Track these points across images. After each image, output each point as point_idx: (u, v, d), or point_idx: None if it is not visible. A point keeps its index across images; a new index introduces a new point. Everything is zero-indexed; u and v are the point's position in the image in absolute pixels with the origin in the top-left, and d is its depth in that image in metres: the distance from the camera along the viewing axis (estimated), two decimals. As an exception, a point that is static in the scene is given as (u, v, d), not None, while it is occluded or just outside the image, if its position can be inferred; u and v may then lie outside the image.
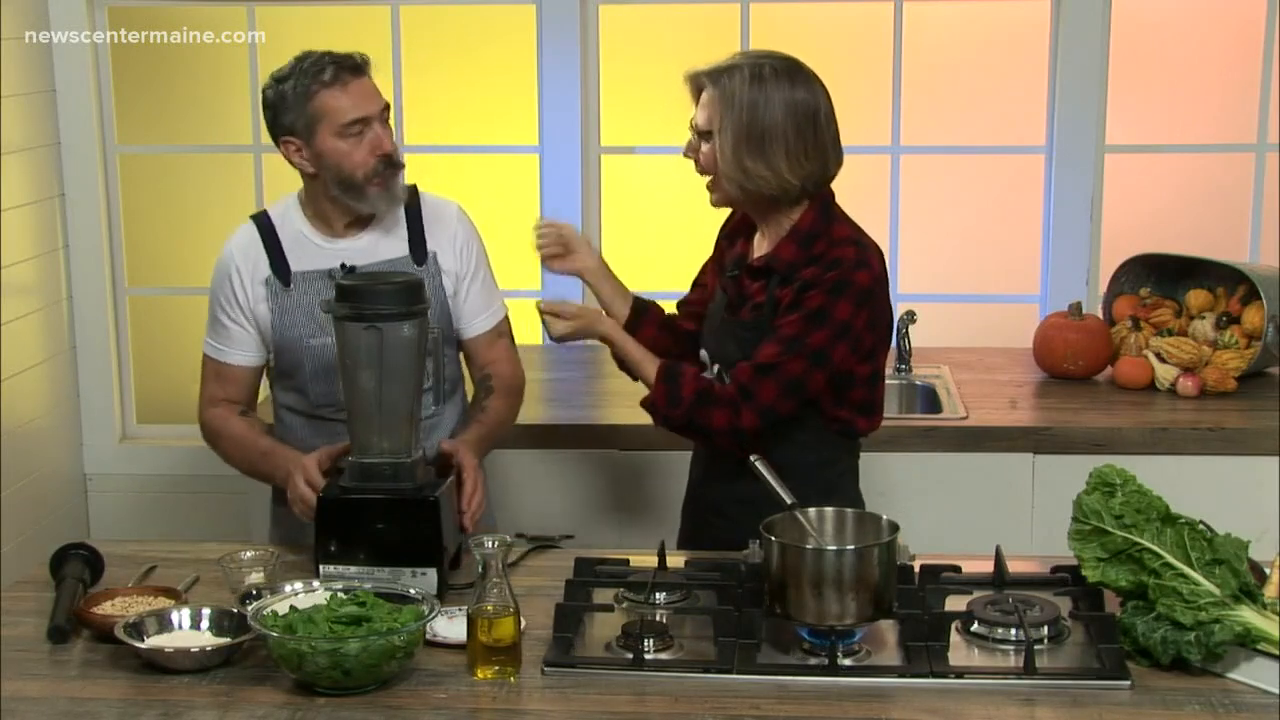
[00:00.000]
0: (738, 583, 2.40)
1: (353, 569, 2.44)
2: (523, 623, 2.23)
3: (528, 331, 4.43)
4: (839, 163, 2.69)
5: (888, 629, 2.30)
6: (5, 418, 3.97)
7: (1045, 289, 4.28)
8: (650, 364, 2.73)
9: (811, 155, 2.62)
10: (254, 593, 2.40)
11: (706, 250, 2.92)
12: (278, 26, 4.35)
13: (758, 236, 2.77)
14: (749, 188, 2.63)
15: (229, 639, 2.26)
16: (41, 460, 4.22)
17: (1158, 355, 3.78)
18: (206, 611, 2.34)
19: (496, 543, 2.18)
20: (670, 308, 2.97)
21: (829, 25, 4.51)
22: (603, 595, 2.44)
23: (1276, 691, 2.10)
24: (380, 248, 2.85)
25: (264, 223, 2.86)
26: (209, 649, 2.23)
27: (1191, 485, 3.06)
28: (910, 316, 3.98)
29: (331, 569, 2.45)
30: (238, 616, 2.30)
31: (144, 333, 4.58)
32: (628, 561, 2.57)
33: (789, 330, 2.60)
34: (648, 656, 2.22)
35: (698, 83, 2.68)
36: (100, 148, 4.34)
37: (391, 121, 2.82)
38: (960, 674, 2.16)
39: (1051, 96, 4.21)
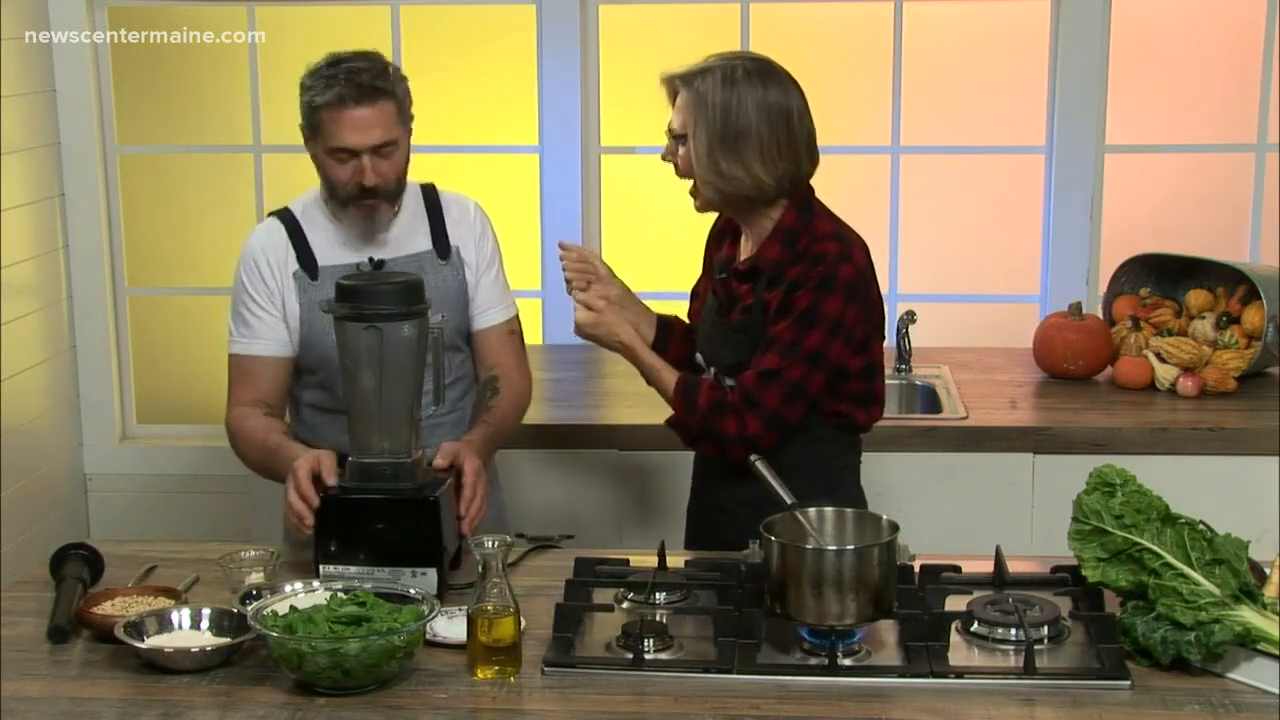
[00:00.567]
0: (738, 583, 2.40)
1: (353, 569, 2.44)
2: (523, 623, 2.23)
3: (529, 332, 4.44)
4: (814, 161, 2.71)
5: (888, 629, 2.30)
6: (5, 418, 3.97)
7: (1045, 289, 4.28)
8: (669, 375, 2.74)
9: (786, 155, 2.64)
10: (254, 593, 2.40)
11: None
12: (278, 26, 4.36)
13: (743, 239, 2.78)
14: (725, 189, 2.65)
15: (229, 639, 2.26)
16: (41, 460, 4.22)
17: (1158, 355, 3.78)
18: (206, 611, 2.34)
19: (496, 543, 2.18)
20: (660, 308, 2.97)
21: (829, 25, 4.51)
22: (603, 595, 2.44)
23: (1276, 691, 2.10)
24: (405, 243, 2.86)
25: (288, 218, 2.87)
26: (209, 649, 2.23)
27: (1191, 485, 3.06)
28: (910, 316, 3.98)
29: (331, 569, 2.45)
30: (238, 616, 2.30)
31: (144, 333, 4.58)
32: (628, 561, 2.57)
33: (784, 335, 2.61)
34: (648, 656, 2.22)
35: (672, 86, 2.70)
36: (100, 148, 4.35)
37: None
38: (960, 674, 2.16)
39: (1051, 96, 4.21)
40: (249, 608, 2.25)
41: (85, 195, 4.34)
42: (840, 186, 4.58)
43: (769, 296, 2.66)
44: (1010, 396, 3.76)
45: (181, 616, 2.33)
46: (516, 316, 3.00)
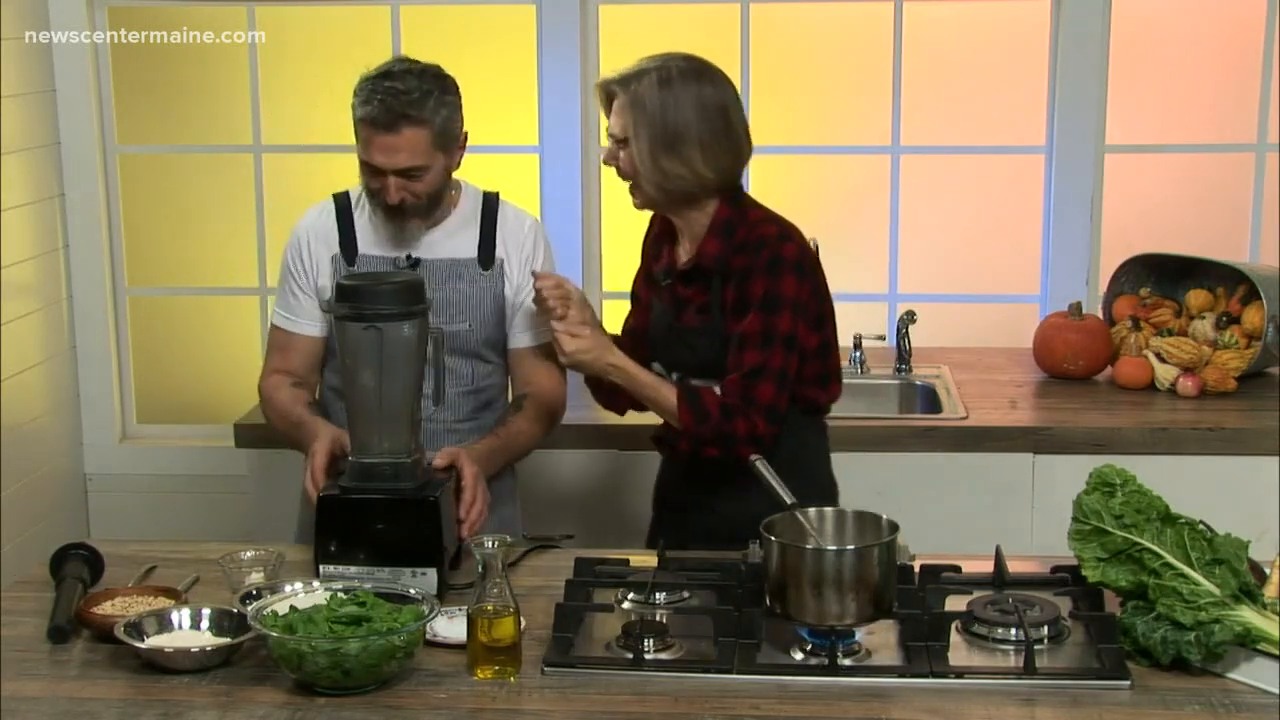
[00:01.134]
0: (738, 583, 2.40)
1: (353, 569, 2.44)
2: (523, 623, 2.23)
3: (528, 331, 4.43)
4: (749, 153, 2.78)
5: (888, 629, 2.30)
6: (5, 418, 3.97)
7: (1045, 289, 4.28)
8: (667, 388, 2.74)
9: (725, 149, 2.70)
10: (254, 593, 2.40)
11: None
12: (278, 26, 4.36)
13: (680, 241, 2.82)
14: (668, 188, 2.71)
15: (229, 639, 2.26)
16: (41, 460, 4.22)
17: (1158, 355, 3.78)
18: (206, 611, 2.34)
19: (496, 543, 2.18)
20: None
21: (829, 25, 4.51)
22: (603, 595, 2.44)
23: (1276, 691, 2.10)
24: (448, 245, 2.87)
25: (342, 201, 2.91)
26: (209, 649, 2.23)
27: (1191, 485, 3.06)
28: (910, 316, 3.98)
29: (331, 569, 2.45)
30: (238, 616, 2.30)
31: (144, 333, 4.58)
32: (628, 561, 2.57)
33: (755, 327, 2.66)
34: (648, 656, 2.22)
35: (608, 91, 2.74)
36: (100, 148, 4.34)
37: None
38: (960, 674, 2.16)
39: (1051, 96, 4.21)
40: (249, 608, 2.25)
41: (85, 195, 4.33)
42: (840, 186, 4.61)
43: (727, 295, 2.71)
44: (1010, 396, 3.76)
45: (181, 616, 2.33)
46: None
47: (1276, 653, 2.11)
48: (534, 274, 2.80)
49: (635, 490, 3.55)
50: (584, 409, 3.79)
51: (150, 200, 4.56)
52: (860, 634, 2.26)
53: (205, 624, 2.32)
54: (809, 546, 2.26)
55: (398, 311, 2.46)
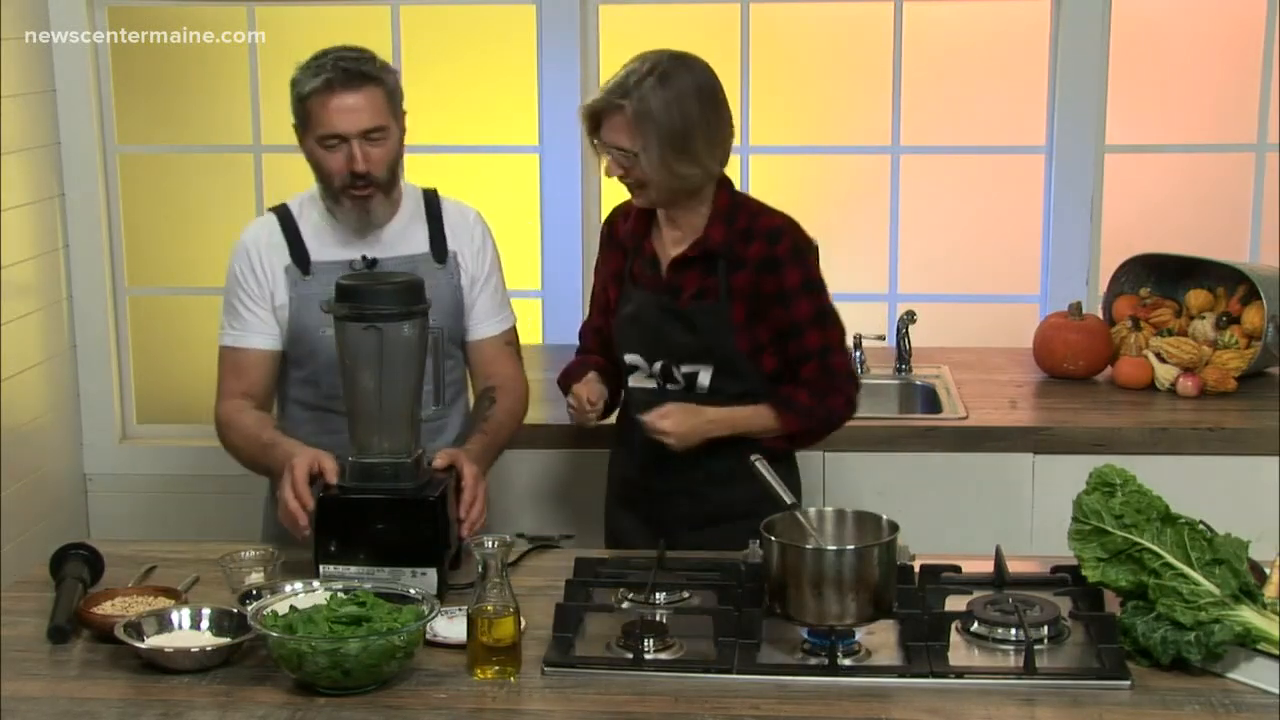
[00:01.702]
0: (738, 583, 2.41)
1: (353, 569, 2.44)
2: (523, 623, 2.23)
3: (528, 331, 4.44)
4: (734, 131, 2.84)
5: (888, 629, 2.30)
6: (5, 418, 3.97)
7: (1045, 289, 4.28)
8: (752, 410, 2.78)
9: (724, 134, 2.77)
10: (254, 593, 2.41)
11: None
12: (278, 26, 4.35)
13: (665, 230, 2.85)
14: (678, 187, 2.74)
15: (229, 639, 2.26)
16: (41, 460, 4.22)
17: (1158, 355, 3.78)
18: (206, 611, 2.34)
19: (496, 543, 2.18)
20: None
21: (829, 25, 4.51)
22: (603, 595, 2.44)
23: (1276, 691, 2.10)
24: (400, 243, 2.86)
25: (284, 213, 2.89)
26: (209, 649, 2.23)
27: (1191, 485, 3.05)
28: (910, 316, 3.98)
29: (331, 569, 2.45)
30: (238, 616, 2.30)
31: (144, 333, 4.58)
32: (628, 561, 2.57)
33: (808, 312, 2.75)
34: (648, 656, 2.22)
35: (601, 110, 2.72)
36: (100, 148, 4.34)
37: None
38: (960, 674, 2.17)
39: (1051, 96, 4.21)
40: (249, 608, 2.25)
41: (85, 195, 4.33)
42: (840, 186, 4.61)
43: (737, 280, 2.75)
44: (1010, 396, 3.76)
45: (181, 616, 2.33)
46: (514, 327, 3.00)
47: (1276, 653, 2.12)
48: (571, 404, 2.85)
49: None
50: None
51: (150, 200, 4.56)
52: (860, 634, 2.25)
53: (205, 624, 2.32)
54: (809, 546, 2.26)
55: (398, 311, 2.46)
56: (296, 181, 2.88)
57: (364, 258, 2.82)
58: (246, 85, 4.34)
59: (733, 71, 4.19)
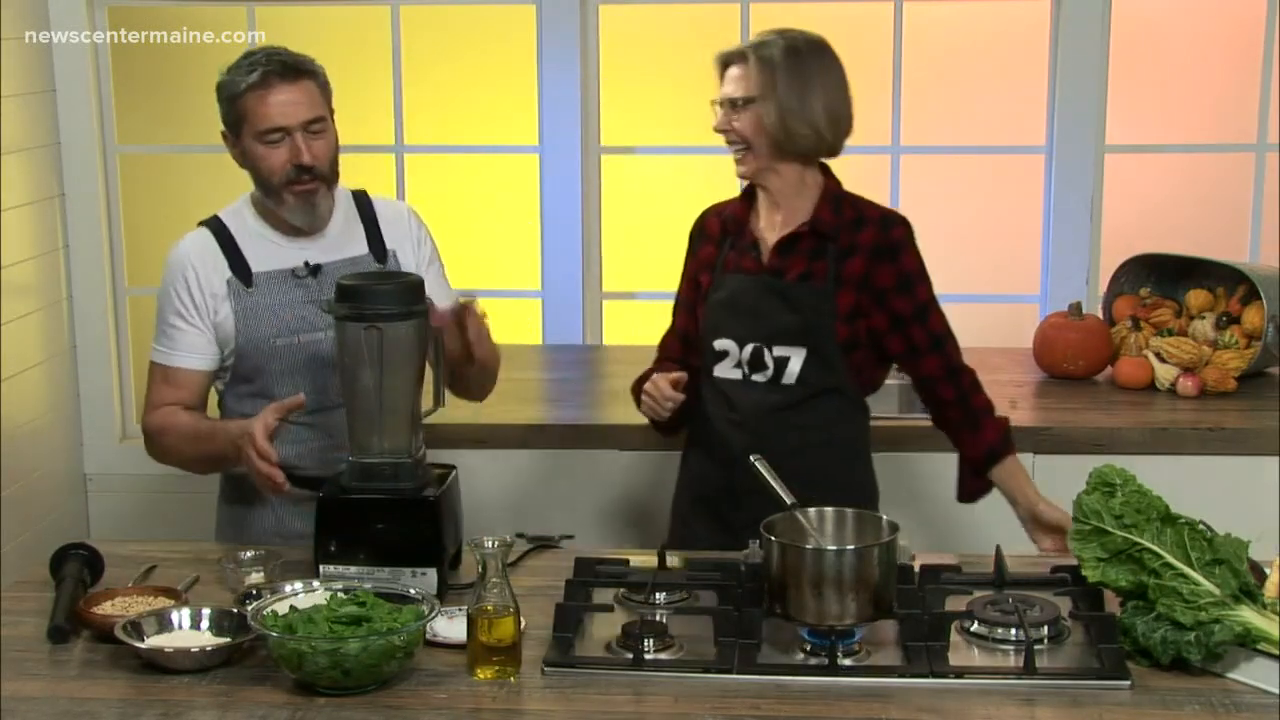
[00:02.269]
0: (738, 583, 2.40)
1: (353, 569, 2.44)
2: (523, 623, 2.23)
3: (528, 331, 4.45)
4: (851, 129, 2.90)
5: (888, 629, 2.30)
6: (5, 418, 3.97)
7: (1045, 289, 4.28)
8: (1010, 462, 2.90)
9: (843, 110, 2.85)
10: (254, 593, 2.41)
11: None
12: (278, 26, 4.35)
13: (765, 217, 2.86)
14: (789, 149, 2.79)
15: (229, 639, 2.26)
16: (41, 460, 4.22)
17: (1158, 355, 3.78)
18: (206, 611, 2.34)
19: (496, 543, 2.18)
20: (661, 307, 3.01)
21: (829, 25, 4.47)
22: (603, 595, 2.44)
23: (1276, 691, 2.10)
24: (340, 246, 2.85)
25: (217, 226, 2.86)
26: (209, 649, 2.23)
27: (1191, 485, 3.05)
28: (910, 316, 3.97)
29: (331, 569, 2.45)
30: (238, 616, 2.30)
31: (144, 333, 4.56)
32: (628, 561, 2.57)
33: (926, 295, 2.85)
34: (648, 656, 2.22)
35: (731, 58, 2.82)
36: (100, 148, 4.34)
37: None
38: (960, 674, 2.16)
39: (1051, 96, 4.21)
40: (249, 608, 2.25)
41: (85, 195, 4.33)
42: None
43: (849, 267, 2.80)
44: (1010, 396, 3.75)
45: (181, 616, 2.33)
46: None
47: (1276, 653, 2.12)
48: (648, 391, 2.86)
49: (635, 490, 3.56)
50: (584, 409, 3.80)
51: (150, 200, 4.56)
52: (860, 634, 2.25)
53: (205, 624, 2.32)
54: (809, 546, 2.26)
55: (398, 311, 2.46)
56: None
57: (306, 264, 2.80)
58: (246, 85, 4.33)
59: (733, 71, 4.19)
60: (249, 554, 2.56)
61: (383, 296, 2.46)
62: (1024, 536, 3.45)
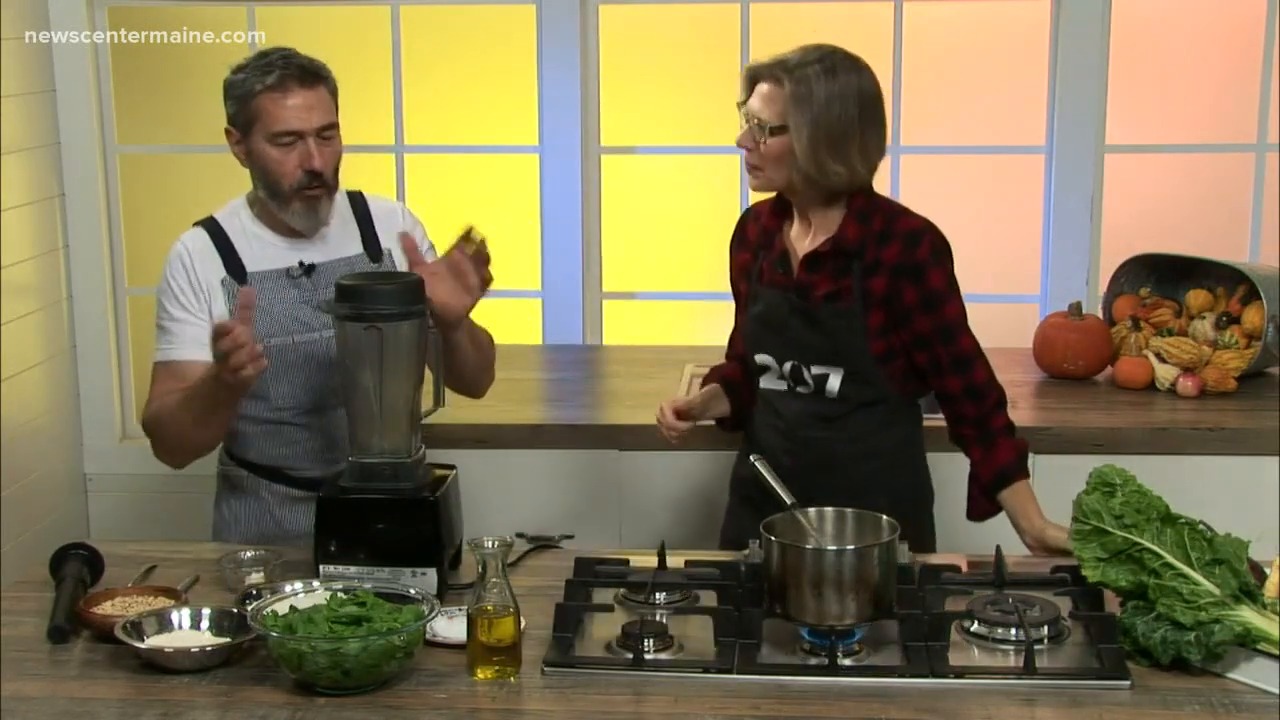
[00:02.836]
0: (738, 583, 2.40)
1: (353, 569, 2.44)
2: (523, 623, 2.23)
3: (528, 331, 4.45)
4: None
5: (888, 629, 2.30)
6: (5, 418, 3.97)
7: (1045, 289, 4.28)
8: (1019, 486, 2.80)
9: (878, 144, 2.73)
10: (254, 593, 2.40)
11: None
12: (278, 26, 4.35)
13: (796, 226, 2.81)
14: (821, 183, 2.70)
15: (229, 639, 2.26)
16: (41, 460, 4.22)
17: (1158, 355, 3.78)
18: (206, 611, 2.34)
19: (496, 543, 2.18)
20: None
21: (829, 25, 4.49)
22: (603, 595, 2.44)
23: (1276, 691, 2.10)
24: (335, 246, 2.86)
25: (212, 226, 2.86)
26: (209, 649, 2.23)
27: (1191, 485, 3.06)
28: (910, 316, 3.97)
29: (331, 569, 2.45)
30: (238, 616, 2.30)
31: (144, 333, 4.57)
32: (628, 561, 2.57)
33: (956, 314, 2.75)
34: (648, 656, 2.22)
35: (760, 75, 2.72)
36: (100, 148, 4.34)
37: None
38: (960, 674, 2.16)
39: (1051, 96, 4.21)
40: (249, 608, 2.25)
41: (85, 195, 4.33)
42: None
43: (873, 285, 2.71)
44: (1010, 396, 3.74)
45: (181, 616, 2.33)
46: None
47: (1276, 653, 2.12)
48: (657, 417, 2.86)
49: (635, 490, 3.56)
50: (584, 409, 3.80)
51: (150, 200, 4.55)
52: (860, 634, 2.25)
53: (205, 624, 2.32)
54: (809, 546, 2.26)
55: (398, 311, 2.46)
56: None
57: (300, 264, 2.81)
58: (246, 85, 4.33)
59: (732, 72, 4.19)
60: (249, 554, 2.56)
61: (383, 296, 2.46)
62: (1024, 536, 3.45)
